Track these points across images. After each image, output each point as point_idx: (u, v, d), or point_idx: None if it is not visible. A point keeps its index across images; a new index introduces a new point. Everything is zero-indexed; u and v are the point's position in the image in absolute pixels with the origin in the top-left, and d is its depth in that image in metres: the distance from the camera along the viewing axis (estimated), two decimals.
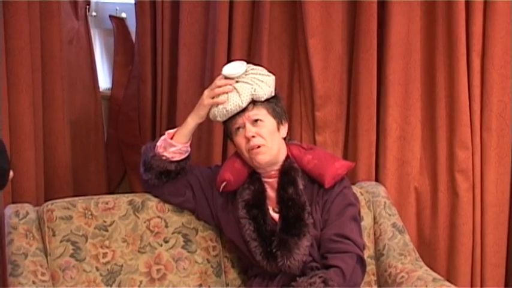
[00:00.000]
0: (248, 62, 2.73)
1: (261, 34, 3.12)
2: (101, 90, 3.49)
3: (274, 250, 2.60)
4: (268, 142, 2.60)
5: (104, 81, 3.63)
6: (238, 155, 2.70)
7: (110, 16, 3.54)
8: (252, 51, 3.18)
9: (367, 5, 3.10)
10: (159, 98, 3.34)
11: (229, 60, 3.11)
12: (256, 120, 2.60)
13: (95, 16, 3.58)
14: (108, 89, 3.59)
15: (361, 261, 2.62)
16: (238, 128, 2.61)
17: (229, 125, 2.65)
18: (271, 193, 2.68)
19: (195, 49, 3.22)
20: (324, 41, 3.15)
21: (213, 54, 3.15)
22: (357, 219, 2.68)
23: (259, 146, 2.60)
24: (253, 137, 2.59)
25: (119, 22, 3.53)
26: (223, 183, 2.67)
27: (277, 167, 2.66)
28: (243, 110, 2.60)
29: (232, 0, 3.13)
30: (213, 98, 2.61)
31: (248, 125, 2.59)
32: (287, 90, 3.25)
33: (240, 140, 2.62)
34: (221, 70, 2.67)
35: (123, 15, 3.55)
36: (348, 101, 3.26)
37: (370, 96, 3.17)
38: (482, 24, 3.13)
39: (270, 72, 2.69)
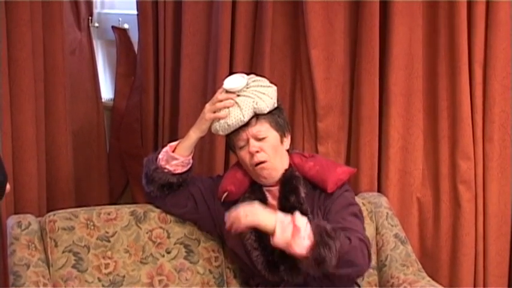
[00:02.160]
0: (250, 73, 2.72)
1: (263, 44, 3.12)
2: (103, 100, 3.51)
3: (276, 260, 2.59)
4: (271, 158, 2.60)
5: (106, 91, 3.63)
6: (239, 165, 2.70)
7: (113, 27, 3.54)
8: (254, 62, 3.18)
9: (369, 15, 3.09)
10: (161, 108, 3.34)
11: (231, 71, 3.13)
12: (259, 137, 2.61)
13: (97, 27, 3.59)
14: (111, 99, 3.60)
15: (366, 246, 2.51)
16: (243, 146, 2.61)
17: (233, 139, 2.64)
18: (272, 202, 2.67)
19: (197, 60, 3.22)
20: (326, 51, 3.15)
21: (215, 65, 3.15)
22: (358, 215, 2.63)
23: (263, 162, 2.60)
24: (257, 152, 2.59)
25: (121, 33, 3.54)
26: (225, 194, 2.67)
27: (278, 176, 2.65)
28: (246, 125, 2.59)
29: (234, 10, 3.13)
30: (214, 112, 2.60)
31: (252, 141, 2.59)
32: (289, 100, 3.24)
33: (244, 154, 2.62)
34: (223, 81, 2.66)
35: (126, 26, 3.56)
36: (350, 112, 3.25)
37: (372, 106, 3.16)
38: (484, 35, 3.12)
39: (271, 83, 2.69)
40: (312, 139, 3.23)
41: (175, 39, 3.26)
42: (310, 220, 2.44)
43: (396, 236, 2.97)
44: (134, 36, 3.48)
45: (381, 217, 3.00)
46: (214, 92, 2.69)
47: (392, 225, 2.99)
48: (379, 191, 3.21)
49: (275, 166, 2.61)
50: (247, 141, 2.59)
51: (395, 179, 3.21)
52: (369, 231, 2.94)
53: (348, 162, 3.26)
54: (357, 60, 3.19)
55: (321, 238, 2.37)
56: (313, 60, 3.12)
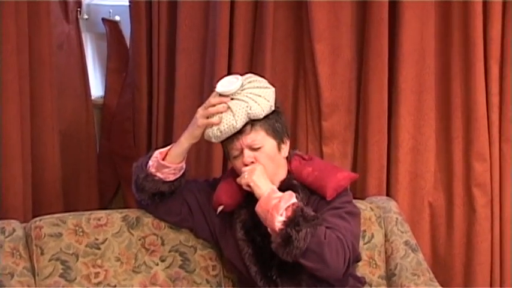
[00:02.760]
0: (250, 69, 2.71)
1: (264, 39, 3.12)
2: (92, 98, 3.49)
3: (274, 277, 2.60)
4: (267, 169, 2.58)
5: (96, 88, 3.62)
6: (235, 172, 2.67)
7: (103, 19, 3.53)
8: (255, 57, 3.18)
9: (378, 7, 3.10)
10: (155, 106, 3.34)
11: (229, 67, 3.13)
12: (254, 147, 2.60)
13: (86, 19, 3.57)
14: (101, 97, 3.58)
15: (343, 247, 2.47)
16: (237, 156, 2.60)
17: (227, 148, 2.62)
18: None
19: (194, 54, 3.22)
20: (332, 46, 3.15)
21: (213, 60, 3.15)
22: (345, 218, 2.58)
23: None
24: (252, 162, 2.58)
25: (112, 25, 3.52)
26: (220, 208, 2.67)
27: (276, 185, 2.60)
28: (240, 132, 2.56)
29: (234, 1, 3.13)
30: (207, 117, 2.57)
31: (246, 151, 2.57)
32: (292, 98, 3.25)
33: (238, 164, 2.60)
34: (220, 79, 2.63)
35: (117, 18, 3.55)
36: (357, 110, 3.26)
37: (381, 104, 3.17)
38: (501, 29, 3.13)
39: (270, 83, 2.64)
40: (316, 139, 3.24)
41: (171, 32, 3.25)
42: (300, 204, 2.49)
43: (406, 243, 2.98)
44: (126, 29, 3.47)
45: (390, 223, 3.00)
46: (211, 90, 2.67)
47: (402, 232, 3.00)
48: (388, 195, 3.22)
49: (270, 178, 2.57)
50: (242, 151, 2.58)
51: (406, 182, 3.23)
52: (377, 238, 2.95)
53: (354, 164, 3.28)
54: (364, 55, 3.20)
55: (294, 218, 2.41)
56: (317, 55, 3.12)
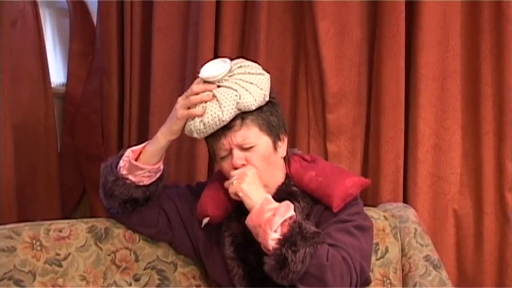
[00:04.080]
0: (239, 56, 2.70)
1: (258, 15, 3.12)
2: (53, 86, 3.48)
3: None
4: (261, 172, 2.54)
5: (57, 74, 3.62)
6: (223, 175, 2.64)
7: None
8: (246, 38, 3.18)
9: None
10: (127, 96, 3.34)
11: (216, 49, 3.14)
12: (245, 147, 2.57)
13: None
14: (62, 84, 3.59)
15: (349, 269, 2.46)
16: (225, 156, 2.56)
17: (213, 147, 2.58)
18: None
19: (174, 34, 3.23)
20: (338, 24, 3.16)
21: (196, 41, 3.14)
22: (353, 233, 2.55)
23: None
24: (243, 165, 2.55)
25: (76, 1, 3.52)
26: (205, 220, 2.63)
27: (271, 193, 2.58)
28: (228, 128, 2.52)
29: None
30: (188, 108, 2.53)
31: (236, 151, 2.53)
32: (290, 86, 3.25)
33: (226, 166, 2.56)
34: (203, 65, 2.57)
35: None
36: (368, 100, 3.26)
37: (397, 94, 3.17)
38: None
39: (264, 70, 2.60)
40: (319, 135, 3.24)
41: (146, 8, 3.26)
42: (298, 217, 2.45)
43: (427, 258, 2.98)
44: (93, 5, 3.47)
45: (407, 234, 3.00)
46: (195, 75, 2.63)
47: (422, 245, 2.99)
48: (405, 201, 3.22)
49: (266, 183, 2.54)
50: (230, 151, 2.54)
51: (426, 186, 3.22)
52: (393, 252, 2.94)
53: (365, 165, 3.27)
54: (377, 34, 3.20)
55: (291, 235, 2.37)
56: (321, 34, 3.12)
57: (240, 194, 2.47)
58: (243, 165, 2.52)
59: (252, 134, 2.53)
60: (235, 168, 2.52)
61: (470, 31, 3.20)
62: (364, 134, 3.28)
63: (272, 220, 2.39)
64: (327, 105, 3.19)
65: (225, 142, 2.52)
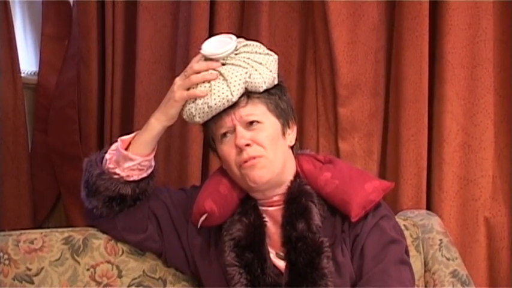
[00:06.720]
0: (238, 36, 2.71)
1: None
2: (22, 75, 3.49)
3: None
4: (268, 152, 2.54)
5: (28, 62, 3.63)
6: (224, 172, 2.65)
7: None
8: (246, 18, 3.20)
9: None
10: (108, 87, 3.35)
11: (211, 32, 3.12)
12: (251, 122, 2.56)
13: None
14: (34, 73, 3.60)
15: None
16: (225, 134, 2.56)
17: (212, 128, 2.59)
18: (273, 229, 2.63)
19: (161, 15, 3.24)
20: (352, 3, 3.16)
21: (188, 22, 3.16)
22: (404, 261, 2.61)
23: (255, 158, 2.56)
24: (247, 145, 2.54)
25: None
26: (203, 216, 2.63)
27: (281, 190, 2.61)
28: (232, 106, 2.54)
29: None
30: (188, 89, 2.55)
31: (240, 129, 2.53)
32: (297, 75, 3.26)
33: (227, 149, 2.57)
34: (200, 47, 2.59)
35: None
36: (387, 92, 3.27)
37: (419, 84, 3.17)
38: None
39: (270, 50, 2.63)
40: (330, 132, 3.25)
41: None
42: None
43: (454, 274, 2.97)
44: None
45: (431, 246, 3.00)
46: (187, 63, 2.63)
47: (448, 259, 2.99)
48: (428, 208, 3.22)
49: (272, 166, 2.54)
50: (234, 128, 2.55)
51: (453, 191, 3.22)
52: (415, 266, 2.91)
53: (382, 166, 3.29)
54: (396, 16, 3.20)
55: None
56: (332, 16, 3.13)
57: None
58: (248, 145, 2.52)
59: (258, 111, 2.55)
60: (240, 151, 2.52)
61: (505, 11, 3.20)
62: (382, 131, 3.29)
63: None
64: (339, 98, 3.20)
65: (227, 119, 2.53)
